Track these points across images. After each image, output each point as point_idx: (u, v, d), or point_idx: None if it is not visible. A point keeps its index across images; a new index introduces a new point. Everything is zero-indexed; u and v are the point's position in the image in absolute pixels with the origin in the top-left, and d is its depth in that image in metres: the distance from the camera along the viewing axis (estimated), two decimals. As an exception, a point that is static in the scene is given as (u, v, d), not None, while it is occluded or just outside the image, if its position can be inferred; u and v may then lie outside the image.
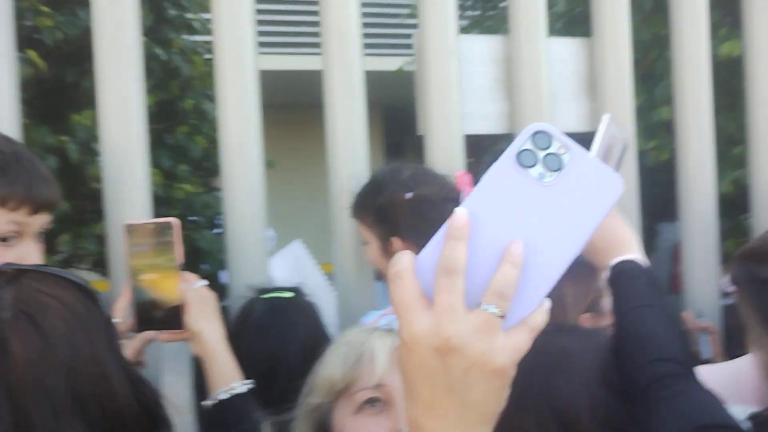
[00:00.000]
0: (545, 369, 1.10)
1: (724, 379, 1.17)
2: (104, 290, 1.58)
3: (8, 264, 1.02)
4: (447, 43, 1.91)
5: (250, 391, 1.37)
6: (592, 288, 1.71)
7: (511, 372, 0.62)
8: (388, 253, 1.68)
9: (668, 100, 3.26)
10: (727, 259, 2.21)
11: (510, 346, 0.61)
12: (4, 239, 1.25)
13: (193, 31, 3.00)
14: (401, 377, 0.64)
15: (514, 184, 0.62)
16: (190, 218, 2.65)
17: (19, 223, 1.27)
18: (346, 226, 1.84)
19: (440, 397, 0.62)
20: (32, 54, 2.52)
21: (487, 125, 2.06)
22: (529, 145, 0.62)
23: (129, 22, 1.73)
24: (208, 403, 1.34)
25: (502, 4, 5.02)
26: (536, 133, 0.63)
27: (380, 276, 1.82)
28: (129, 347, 1.46)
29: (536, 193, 0.62)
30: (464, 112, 1.96)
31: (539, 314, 0.62)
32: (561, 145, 0.63)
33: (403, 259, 0.63)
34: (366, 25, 1.93)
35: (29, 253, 1.28)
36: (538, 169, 0.62)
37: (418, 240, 1.61)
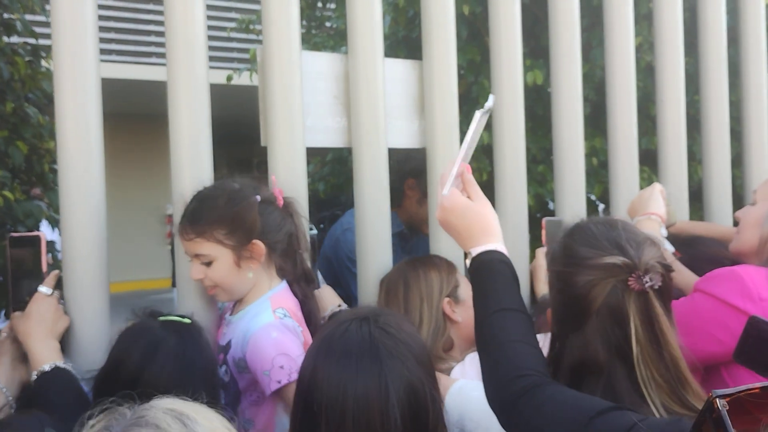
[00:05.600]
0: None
1: None
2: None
3: None
4: (291, 58, 1.99)
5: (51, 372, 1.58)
6: (452, 277, 1.92)
7: None
8: (243, 259, 1.70)
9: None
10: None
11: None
12: None
13: (13, 31, 2.84)
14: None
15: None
16: (10, 227, 2.50)
17: None
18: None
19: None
20: None
21: (327, 139, 2.15)
22: None
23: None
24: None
25: (328, 23, 5.16)
26: None
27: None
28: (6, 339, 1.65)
29: None
30: (306, 126, 2.04)
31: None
32: None
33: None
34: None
35: None
36: None
37: (268, 237, 1.70)
